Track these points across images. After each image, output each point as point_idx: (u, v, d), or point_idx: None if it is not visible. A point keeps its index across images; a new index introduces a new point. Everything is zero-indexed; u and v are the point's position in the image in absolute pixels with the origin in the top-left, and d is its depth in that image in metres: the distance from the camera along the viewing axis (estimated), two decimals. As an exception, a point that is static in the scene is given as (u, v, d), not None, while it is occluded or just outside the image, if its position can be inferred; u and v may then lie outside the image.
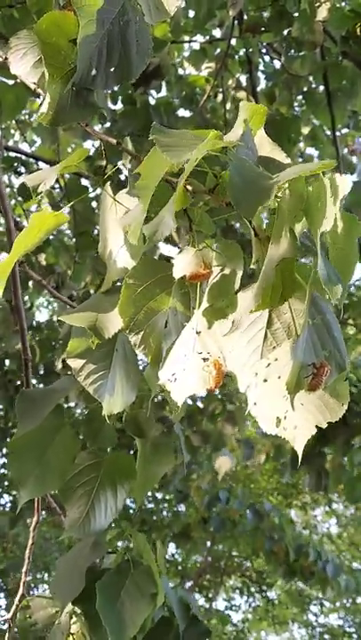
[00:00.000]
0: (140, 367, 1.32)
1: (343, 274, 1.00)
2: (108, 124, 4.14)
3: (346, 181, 0.91)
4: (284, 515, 5.60)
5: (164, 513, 7.84)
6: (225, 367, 1.04)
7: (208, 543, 8.19)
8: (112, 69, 1.18)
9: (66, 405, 4.97)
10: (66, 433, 1.46)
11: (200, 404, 4.84)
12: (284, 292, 0.96)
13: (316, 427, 1.07)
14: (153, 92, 4.23)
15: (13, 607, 1.61)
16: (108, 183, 1.25)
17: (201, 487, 5.46)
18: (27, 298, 5.00)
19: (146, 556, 1.56)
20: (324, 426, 1.08)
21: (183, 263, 1.03)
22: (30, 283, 4.44)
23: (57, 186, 4.26)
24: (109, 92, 4.13)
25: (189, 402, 4.83)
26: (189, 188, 1.05)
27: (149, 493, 7.41)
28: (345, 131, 4.86)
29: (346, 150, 4.91)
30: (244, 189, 0.89)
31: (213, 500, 5.33)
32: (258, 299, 0.92)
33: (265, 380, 1.07)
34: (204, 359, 1.03)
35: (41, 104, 1.23)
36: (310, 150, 5.01)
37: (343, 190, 0.91)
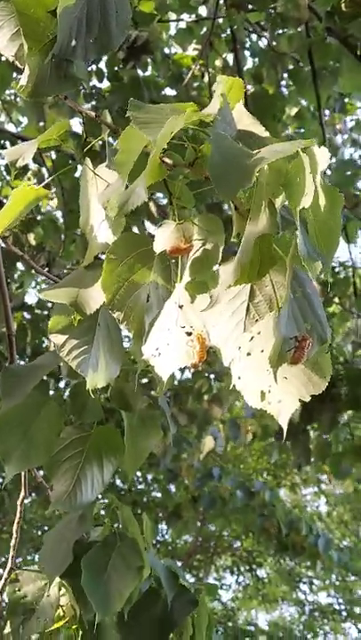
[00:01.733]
0: (126, 342, 1.32)
1: (327, 247, 0.99)
2: (94, 102, 4.10)
3: (324, 154, 0.89)
4: (274, 491, 5.64)
5: (155, 494, 7.87)
6: (208, 341, 1.04)
7: (198, 523, 8.24)
8: (92, 40, 1.17)
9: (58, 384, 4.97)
10: (50, 408, 1.46)
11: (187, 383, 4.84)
12: (262, 268, 0.95)
13: (301, 402, 1.07)
14: (139, 70, 4.18)
15: (2, 580, 1.62)
16: (89, 157, 1.24)
17: (192, 465, 5.47)
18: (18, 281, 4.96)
19: (132, 529, 1.57)
20: (308, 399, 1.08)
21: (163, 237, 1.02)
22: (20, 264, 4.41)
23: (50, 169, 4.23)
24: (94, 69, 4.09)
25: (176, 381, 4.83)
26: (168, 161, 1.04)
27: (139, 474, 7.43)
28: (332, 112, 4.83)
29: (334, 130, 4.88)
30: (224, 169, 0.87)
31: (205, 477, 5.35)
32: (236, 274, 0.92)
33: (248, 354, 1.07)
34: (188, 333, 1.03)
35: (20, 77, 1.22)
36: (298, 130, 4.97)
37: (322, 163, 0.90)
